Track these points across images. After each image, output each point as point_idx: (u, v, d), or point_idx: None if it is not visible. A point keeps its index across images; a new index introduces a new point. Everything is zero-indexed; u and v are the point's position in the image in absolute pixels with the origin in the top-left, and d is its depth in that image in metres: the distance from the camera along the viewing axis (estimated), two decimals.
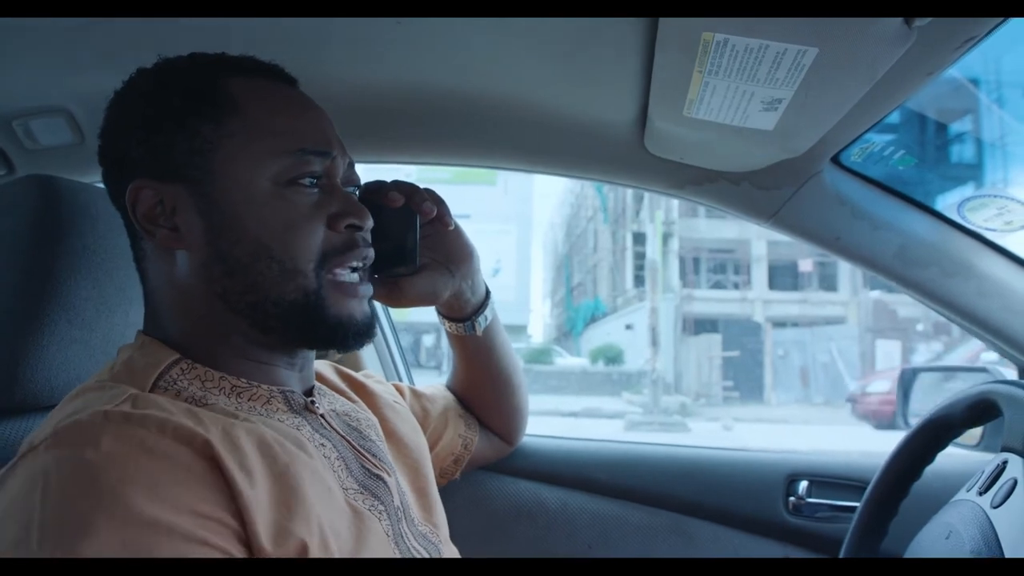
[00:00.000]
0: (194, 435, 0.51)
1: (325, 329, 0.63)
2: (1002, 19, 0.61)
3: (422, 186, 0.78)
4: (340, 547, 0.56)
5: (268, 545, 0.50)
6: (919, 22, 0.58)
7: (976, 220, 0.94)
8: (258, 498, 0.52)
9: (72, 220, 0.73)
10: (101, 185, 0.69)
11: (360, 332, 0.65)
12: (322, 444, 0.64)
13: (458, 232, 0.82)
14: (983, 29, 0.63)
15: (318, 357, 0.85)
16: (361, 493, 0.64)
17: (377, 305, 0.98)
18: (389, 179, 0.77)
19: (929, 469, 0.82)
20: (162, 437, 0.50)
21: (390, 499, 0.67)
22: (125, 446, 0.49)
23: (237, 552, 0.49)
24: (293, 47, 0.72)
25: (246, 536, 0.50)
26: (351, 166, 0.69)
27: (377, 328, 0.69)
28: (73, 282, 0.73)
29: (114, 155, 0.63)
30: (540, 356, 18.62)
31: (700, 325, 17.05)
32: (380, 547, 0.61)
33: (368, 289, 0.67)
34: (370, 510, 0.63)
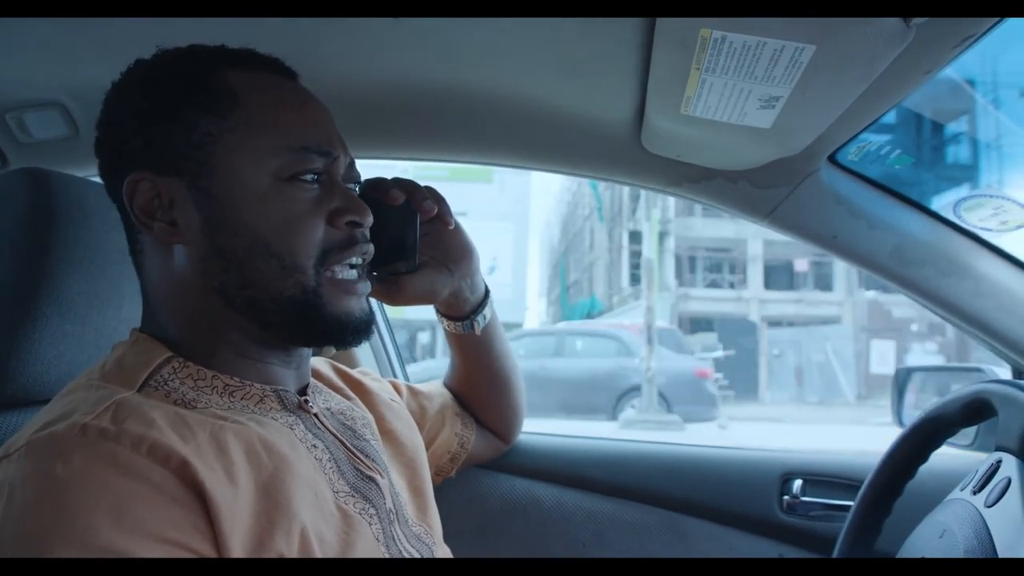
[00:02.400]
0: (170, 454, 0.50)
1: (323, 326, 0.63)
2: (1000, 18, 0.61)
3: (423, 184, 0.77)
4: (325, 553, 0.56)
5: (246, 556, 0.50)
6: (917, 20, 0.58)
7: (972, 220, 0.94)
8: (239, 509, 0.51)
9: (65, 214, 0.73)
10: (95, 179, 0.69)
11: (358, 329, 0.65)
12: (314, 445, 0.63)
13: (458, 231, 0.82)
14: (981, 28, 0.63)
15: (315, 354, 0.85)
16: (352, 496, 0.63)
17: (373, 302, 0.98)
18: (385, 176, 0.77)
19: (923, 468, 0.83)
20: (136, 455, 0.49)
21: (382, 501, 0.66)
22: (97, 464, 0.48)
23: None
24: (289, 42, 0.71)
25: (218, 556, 0.49)
26: (352, 164, 0.68)
27: (374, 325, 0.69)
28: (65, 276, 0.73)
29: (111, 147, 0.63)
30: None
31: (696, 324, 17.09)
32: (369, 552, 0.60)
33: (366, 286, 0.67)
34: (360, 513, 0.62)
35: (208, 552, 0.49)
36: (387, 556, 0.63)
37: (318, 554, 0.55)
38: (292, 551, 0.53)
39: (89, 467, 0.48)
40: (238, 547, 0.50)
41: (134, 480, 0.48)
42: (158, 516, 0.48)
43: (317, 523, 0.57)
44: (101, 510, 0.46)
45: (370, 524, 0.63)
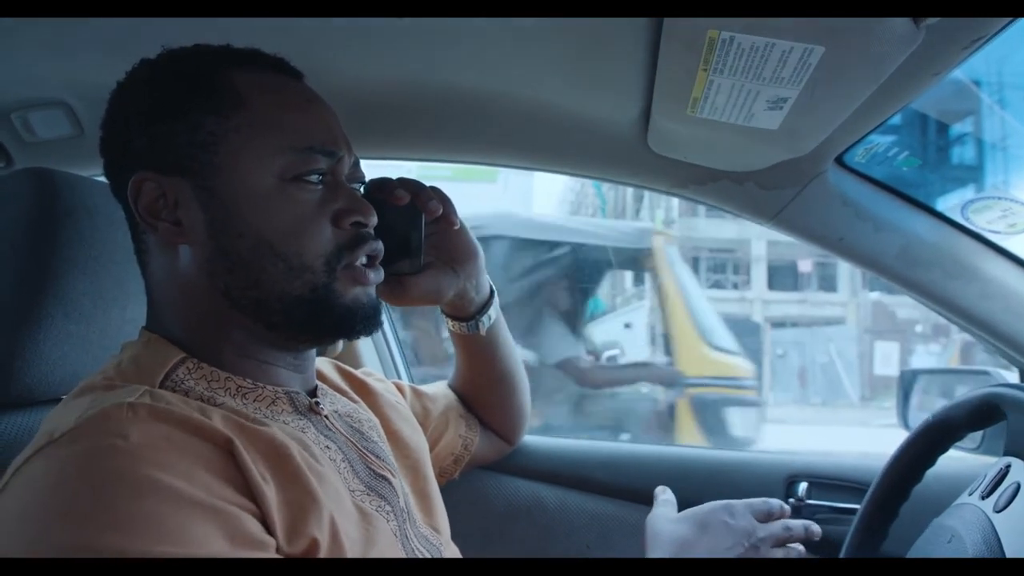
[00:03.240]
0: (216, 432, 0.51)
1: (333, 319, 0.62)
2: (1012, 19, 0.61)
3: (428, 184, 0.77)
4: (351, 548, 0.56)
5: (283, 543, 0.51)
6: (927, 21, 0.57)
7: (980, 222, 0.93)
8: (271, 499, 0.52)
9: (69, 213, 0.73)
10: (100, 179, 0.68)
11: (367, 317, 0.64)
12: (327, 446, 0.63)
13: (463, 231, 0.82)
14: (991, 29, 0.62)
15: (319, 353, 0.85)
16: (368, 495, 0.63)
17: None
18: (389, 176, 0.77)
19: (930, 472, 0.82)
20: (186, 433, 0.50)
21: (396, 500, 0.66)
22: (154, 438, 0.49)
23: (269, 540, 0.50)
24: (294, 41, 0.71)
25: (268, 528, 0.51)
26: (356, 164, 0.68)
27: (382, 316, 0.68)
28: (70, 276, 0.72)
29: (116, 147, 0.62)
30: None
31: None
32: (389, 547, 0.61)
33: (379, 275, 0.67)
34: (377, 511, 0.63)
35: (263, 517, 0.50)
36: (402, 554, 0.64)
37: (345, 547, 0.55)
38: (324, 538, 0.53)
39: (148, 441, 0.48)
40: (279, 530, 0.51)
41: (190, 453, 0.49)
42: (220, 484, 0.49)
43: (342, 519, 0.57)
44: (173, 473, 0.47)
45: (388, 521, 0.63)
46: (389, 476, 0.68)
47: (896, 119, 0.82)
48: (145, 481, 0.46)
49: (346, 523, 0.57)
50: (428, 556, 0.69)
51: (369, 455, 0.68)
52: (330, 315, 0.62)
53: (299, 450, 0.58)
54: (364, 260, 0.65)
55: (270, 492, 0.52)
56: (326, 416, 0.66)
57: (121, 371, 0.59)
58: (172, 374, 0.59)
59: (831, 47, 0.60)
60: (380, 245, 0.67)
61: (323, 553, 0.53)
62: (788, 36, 0.60)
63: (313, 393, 0.68)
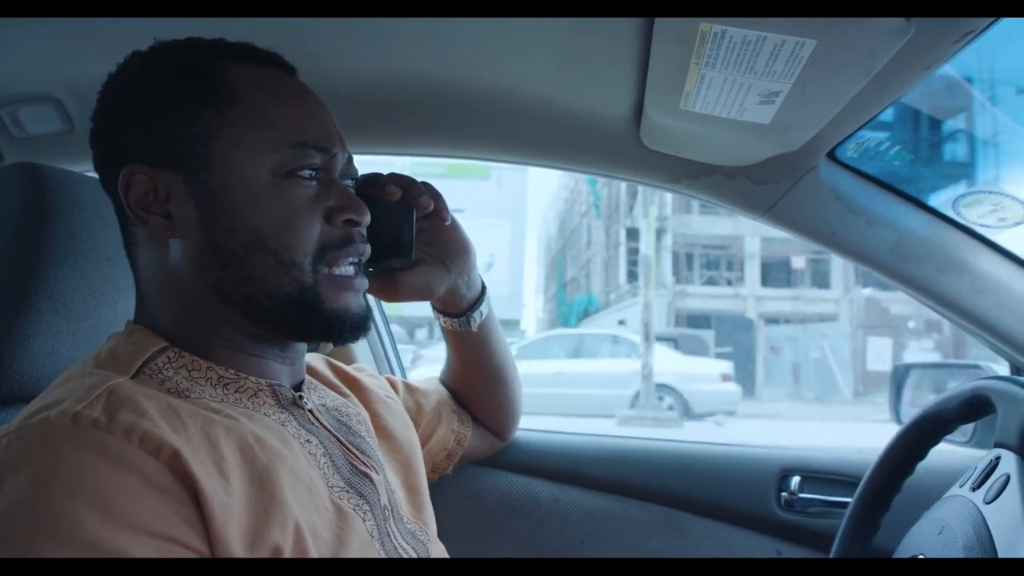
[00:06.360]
0: (162, 445, 0.49)
1: (321, 323, 0.62)
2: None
3: (419, 180, 0.77)
4: (319, 548, 0.55)
5: (241, 551, 0.50)
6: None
7: (971, 216, 0.94)
8: (232, 505, 0.51)
9: (60, 209, 0.72)
10: (90, 174, 0.68)
11: (356, 325, 0.64)
12: (308, 440, 0.63)
13: (455, 227, 0.82)
14: (981, 24, 0.62)
15: (310, 350, 0.85)
16: (347, 491, 0.63)
17: (370, 298, 0.97)
18: (381, 172, 0.77)
19: (921, 465, 0.83)
20: (128, 445, 0.48)
21: (376, 497, 0.66)
22: (86, 454, 0.47)
23: None
24: (287, 37, 0.71)
25: (210, 551, 0.49)
26: (349, 160, 0.68)
27: (372, 322, 0.68)
28: (60, 272, 0.72)
29: (106, 139, 0.62)
30: None
31: (693, 321, 17.11)
32: (362, 547, 0.60)
33: (363, 283, 0.66)
34: (355, 509, 0.62)
35: (197, 545, 0.48)
36: (381, 552, 0.63)
37: (312, 549, 0.54)
38: (288, 543, 0.52)
39: (78, 458, 0.47)
40: (235, 540, 0.50)
41: (124, 471, 0.48)
42: (147, 509, 0.47)
43: (311, 518, 0.56)
44: (88, 504, 0.45)
45: (364, 520, 0.62)
46: (372, 473, 0.67)
47: (887, 114, 0.82)
48: (53, 516, 0.44)
49: (317, 522, 0.57)
50: (413, 552, 0.68)
51: (353, 450, 0.67)
52: (319, 319, 0.62)
53: (273, 445, 0.57)
54: (351, 269, 0.64)
55: (231, 497, 0.51)
56: (310, 410, 0.66)
57: (99, 360, 0.58)
58: (150, 363, 0.58)
59: (823, 40, 0.60)
60: (368, 248, 0.66)
61: (286, 556, 0.52)
62: (780, 30, 0.60)
63: (299, 387, 0.68)
